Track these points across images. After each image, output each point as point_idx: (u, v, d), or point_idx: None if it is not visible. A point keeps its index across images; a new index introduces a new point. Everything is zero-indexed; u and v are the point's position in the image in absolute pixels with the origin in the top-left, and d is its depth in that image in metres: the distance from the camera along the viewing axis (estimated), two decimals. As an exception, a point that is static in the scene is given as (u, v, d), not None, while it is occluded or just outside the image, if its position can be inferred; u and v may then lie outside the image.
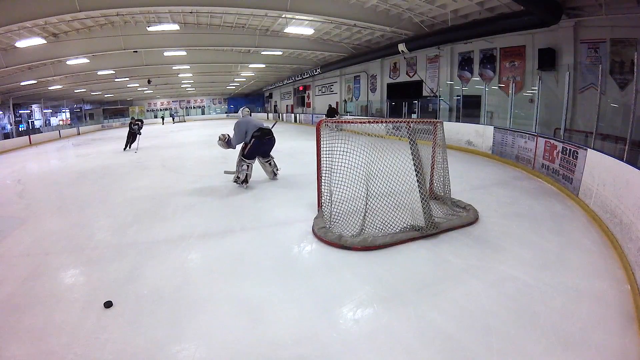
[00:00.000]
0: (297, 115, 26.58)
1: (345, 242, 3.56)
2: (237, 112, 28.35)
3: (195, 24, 13.08)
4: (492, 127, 8.69)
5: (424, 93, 13.93)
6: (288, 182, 6.60)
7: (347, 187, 4.15)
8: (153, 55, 15.69)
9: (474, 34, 9.71)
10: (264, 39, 14.22)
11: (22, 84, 17.34)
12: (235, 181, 6.18)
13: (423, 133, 4.49)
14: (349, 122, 5.43)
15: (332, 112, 17.85)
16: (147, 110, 39.44)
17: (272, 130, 6.34)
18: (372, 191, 3.98)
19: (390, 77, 16.37)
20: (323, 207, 4.31)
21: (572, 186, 5.07)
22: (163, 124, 34.89)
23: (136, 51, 14.22)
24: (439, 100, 12.49)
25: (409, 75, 14.99)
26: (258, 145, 6.11)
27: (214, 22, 12.90)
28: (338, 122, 5.13)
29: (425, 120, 4.95)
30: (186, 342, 2.26)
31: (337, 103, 21.05)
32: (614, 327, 2.31)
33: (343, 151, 4.12)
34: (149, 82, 22.31)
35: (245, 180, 6.10)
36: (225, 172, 6.73)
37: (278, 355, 2.13)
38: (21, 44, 10.78)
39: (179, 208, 5.22)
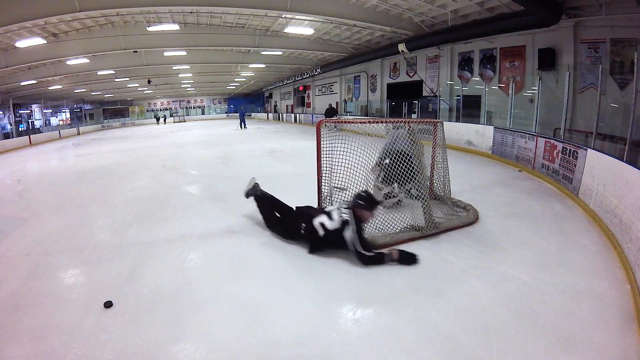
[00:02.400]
0: (297, 115, 26.59)
1: (346, 242, 3.54)
2: (237, 112, 28.16)
3: (195, 24, 13.08)
4: (492, 127, 8.69)
5: (424, 93, 13.93)
6: (288, 182, 6.60)
7: (347, 187, 4.14)
8: (153, 55, 15.70)
9: (474, 34, 9.71)
10: (264, 39, 14.22)
11: (22, 84, 17.35)
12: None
13: (423, 133, 4.49)
14: (349, 122, 5.41)
15: (331, 112, 17.88)
16: (147, 110, 39.44)
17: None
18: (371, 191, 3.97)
19: (390, 77, 16.37)
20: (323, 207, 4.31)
21: (572, 186, 5.07)
22: (158, 123, 35.15)
23: (136, 51, 14.22)
24: (439, 100, 12.49)
25: (409, 75, 14.99)
26: None
27: (214, 22, 12.91)
28: (338, 122, 5.09)
29: (425, 120, 4.95)
30: (186, 342, 2.26)
31: (337, 103, 21.06)
32: (614, 327, 2.31)
33: (343, 151, 4.12)
34: (149, 82, 22.33)
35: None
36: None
37: (278, 355, 2.13)
38: (21, 44, 10.79)
39: (179, 208, 5.22)
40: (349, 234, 3.02)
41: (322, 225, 3.17)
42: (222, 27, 13.37)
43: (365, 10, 10.69)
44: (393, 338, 2.25)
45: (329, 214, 3.25)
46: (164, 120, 36.71)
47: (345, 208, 3.23)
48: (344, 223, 3.06)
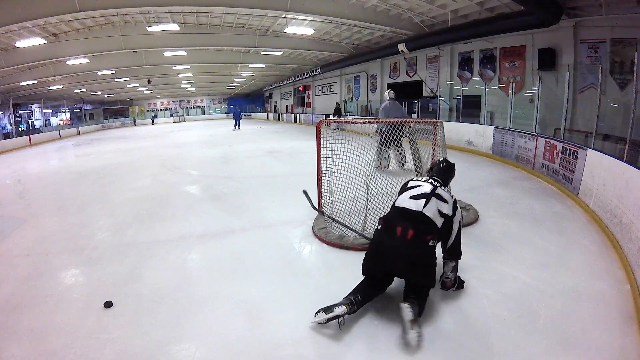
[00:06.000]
0: (297, 115, 26.58)
1: (346, 242, 3.56)
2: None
3: (195, 24, 13.07)
4: (492, 127, 8.69)
5: (424, 93, 13.92)
6: (288, 182, 6.60)
7: (347, 187, 4.14)
8: (153, 55, 15.69)
9: (474, 34, 9.71)
10: (264, 39, 14.21)
11: (22, 84, 17.33)
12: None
13: (423, 133, 4.49)
14: (349, 122, 5.42)
15: (338, 111, 17.96)
16: (147, 110, 39.42)
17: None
18: (372, 191, 3.97)
19: (390, 77, 16.36)
20: (323, 207, 4.31)
21: (572, 186, 5.07)
22: (153, 123, 35.27)
23: (136, 51, 14.22)
24: (439, 100, 12.49)
25: (409, 75, 14.98)
26: None
27: (214, 22, 12.90)
28: (338, 122, 5.11)
29: (425, 120, 4.95)
30: (186, 342, 2.26)
31: (337, 103, 21.08)
32: (614, 327, 2.31)
33: (343, 151, 4.11)
34: (149, 82, 22.31)
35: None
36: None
37: (278, 355, 2.13)
38: (21, 44, 10.77)
39: (179, 208, 5.22)
40: (457, 215, 2.12)
41: (440, 213, 2.11)
42: (222, 27, 13.37)
43: (365, 10, 10.69)
44: (393, 338, 2.24)
45: (435, 196, 2.11)
46: (151, 121, 36.71)
47: (433, 182, 2.20)
48: (455, 203, 2.12)
